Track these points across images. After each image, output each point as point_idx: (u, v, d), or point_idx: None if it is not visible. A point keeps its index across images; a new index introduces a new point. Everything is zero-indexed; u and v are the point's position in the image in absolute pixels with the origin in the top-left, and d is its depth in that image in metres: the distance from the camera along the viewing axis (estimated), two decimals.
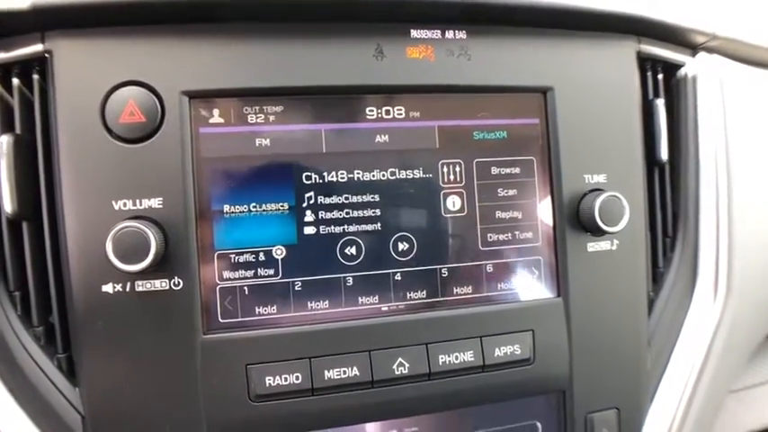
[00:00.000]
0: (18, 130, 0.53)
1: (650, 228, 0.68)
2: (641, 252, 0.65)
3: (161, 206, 0.52)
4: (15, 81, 0.53)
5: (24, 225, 0.53)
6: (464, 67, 0.59)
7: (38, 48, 0.52)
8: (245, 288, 0.54)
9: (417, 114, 0.59)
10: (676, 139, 0.69)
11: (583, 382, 0.62)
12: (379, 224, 0.57)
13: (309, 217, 0.56)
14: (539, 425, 0.63)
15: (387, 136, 0.58)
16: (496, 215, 0.60)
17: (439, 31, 0.58)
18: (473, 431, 0.61)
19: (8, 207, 0.51)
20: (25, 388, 0.53)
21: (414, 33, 0.58)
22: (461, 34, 0.59)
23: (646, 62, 0.68)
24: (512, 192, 0.61)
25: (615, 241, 0.62)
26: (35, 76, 0.53)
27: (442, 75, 0.58)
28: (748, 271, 0.68)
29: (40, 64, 0.53)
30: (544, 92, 0.61)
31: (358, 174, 0.57)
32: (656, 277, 0.69)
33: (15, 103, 0.53)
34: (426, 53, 0.58)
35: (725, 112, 0.68)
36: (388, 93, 0.58)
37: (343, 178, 0.57)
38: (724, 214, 0.67)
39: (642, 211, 0.65)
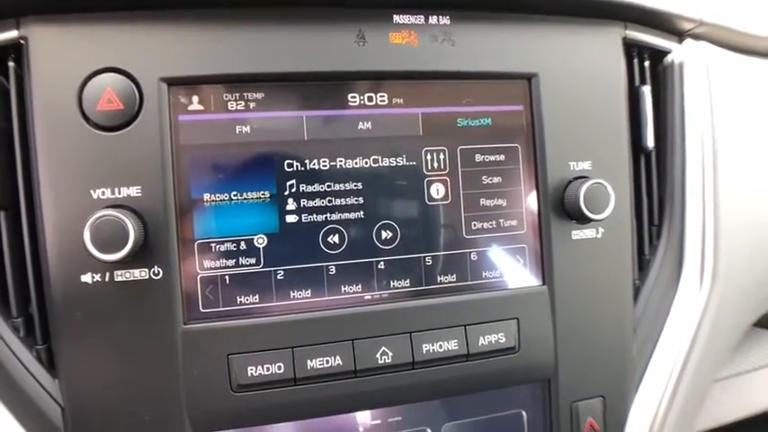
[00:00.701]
0: None
1: (636, 215, 0.68)
2: (627, 240, 0.64)
3: (140, 194, 0.51)
4: None
5: (1, 215, 0.53)
6: (448, 53, 0.58)
7: (13, 34, 0.51)
8: (227, 277, 0.54)
9: (401, 101, 0.58)
10: (662, 127, 0.69)
11: (568, 370, 0.62)
12: (362, 212, 0.57)
13: (291, 205, 0.55)
14: (524, 414, 0.63)
15: (370, 123, 0.57)
16: (481, 203, 0.60)
17: (422, 17, 0.58)
18: (457, 421, 0.61)
19: None
20: (4, 380, 0.52)
21: (396, 18, 0.57)
22: (445, 20, 0.58)
23: (632, 49, 0.68)
24: (496, 179, 0.60)
25: (600, 229, 0.62)
26: (11, 64, 0.52)
27: (425, 61, 0.57)
28: (734, 258, 0.68)
29: (16, 51, 0.52)
30: (529, 78, 0.61)
31: (340, 161, 0.56)
32: (642, 265, 0.69)
33: None
34: (409, 39, 0.57)
35: (711, 99, 0.67)
36: (371, 79, 0.57)
37: (326, 166, 0.56)
38: (710, 201, 0.67)
39: (628, 199, 0.65)
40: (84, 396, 0.51)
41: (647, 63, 0.69)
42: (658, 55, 0.69)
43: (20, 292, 0.53)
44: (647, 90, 0.67)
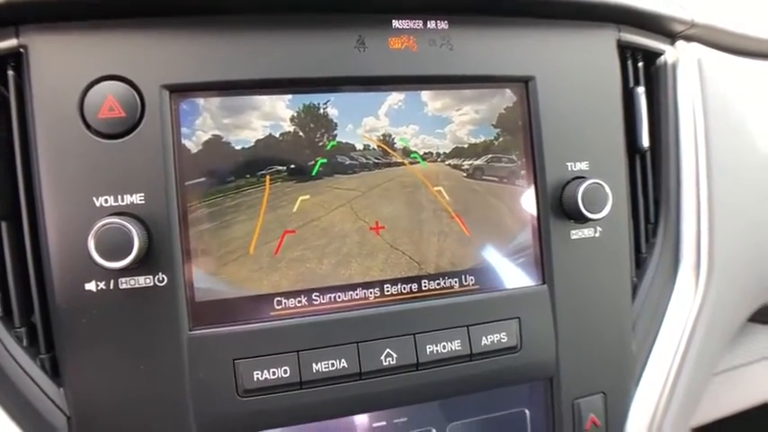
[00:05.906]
0: None
1: (633, 214, 0.69)
2: (624, 238, 0.65)
3: (143, 202, 0.51)
4: None
5: (3, 224, 0.52)
6: (446, 57, 0.59)
7: (12, 42, 0.51)
8: None
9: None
10: (656, 126, 0.70)
11: (569, 368, 0.63)
12: (364, 216, 0.57)
13: None
14: (527, 412, 0.64)
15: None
16: (481, 204, 0.60)
17: (421, 22, 0.58)
18: (462, 420, 0.62)
19: None
20: (8, 390, 0.52)
21: (395, 24, 0.58)
22: (443, 24, 0.59)
23: (626, 50, 0.68)
24: (496, 181, 0.61)
25: (598, 228, 0.63)
26: (10, 72, 0.52)
27: (424, 65, 0.58)
28: (729, 254, 0.69)
29: (16, 59, 0.52)
30: (526, 81, 0.61)
31: (341, 166, 0.57)
32: (640, 263, 0.70)
33: None
34: (408, 43, 0.58)
35: (703, 99, 0.69)
36: (371, 84, 0.57)
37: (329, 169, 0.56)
38: (704, 199, 0.68)
39: (624, 198, 0.66)
40: (89, 404, 0.51)
41: (640, 64, 0.70)
42: (651, 56, 0.70)
43: (22, 302, 0.53)
44: (641, 91, 0.68)
